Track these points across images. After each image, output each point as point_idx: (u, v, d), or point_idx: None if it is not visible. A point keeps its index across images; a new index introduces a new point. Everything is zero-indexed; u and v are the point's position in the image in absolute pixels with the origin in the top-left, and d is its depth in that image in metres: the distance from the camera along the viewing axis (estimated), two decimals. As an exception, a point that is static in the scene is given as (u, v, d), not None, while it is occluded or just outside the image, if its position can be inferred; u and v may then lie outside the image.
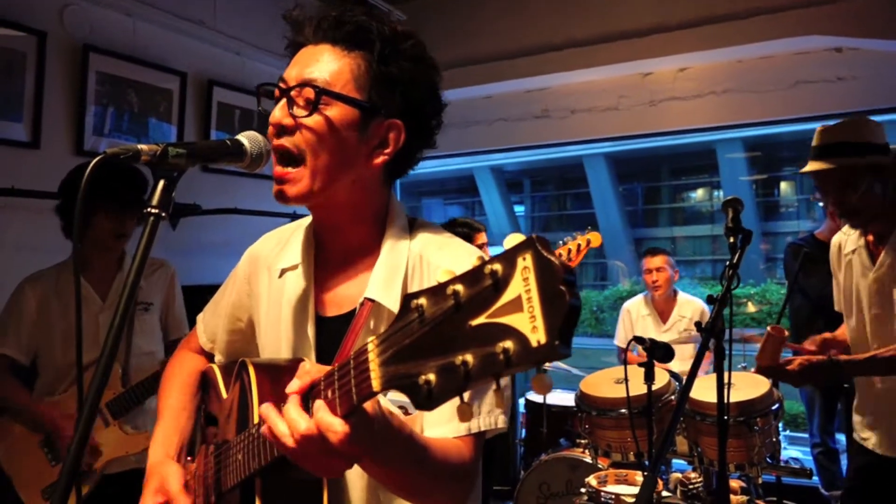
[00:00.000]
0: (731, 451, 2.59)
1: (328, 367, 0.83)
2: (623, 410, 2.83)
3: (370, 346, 0.73)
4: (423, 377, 0.65)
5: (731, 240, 1.98)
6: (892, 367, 2.15)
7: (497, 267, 0.60)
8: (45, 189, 2.82)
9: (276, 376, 1.07)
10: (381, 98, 1.11)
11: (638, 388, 2.62)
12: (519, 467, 4.39)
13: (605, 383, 3.09)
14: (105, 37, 3.31)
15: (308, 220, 1.28)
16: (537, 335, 0.56)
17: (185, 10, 3.65)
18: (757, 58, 4.29)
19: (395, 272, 1.14)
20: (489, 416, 1.09)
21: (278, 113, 1.11)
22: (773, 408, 2.66)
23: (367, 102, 1.11)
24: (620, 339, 4.51)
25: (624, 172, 14.91)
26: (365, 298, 1.12)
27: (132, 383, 2.44)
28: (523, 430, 4.32)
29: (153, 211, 0.97)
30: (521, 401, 4.51)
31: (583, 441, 3.25)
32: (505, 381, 0.64)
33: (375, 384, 0.72)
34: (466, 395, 0.65)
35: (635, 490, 2.75)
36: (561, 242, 3.25)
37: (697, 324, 1.94)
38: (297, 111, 1.10)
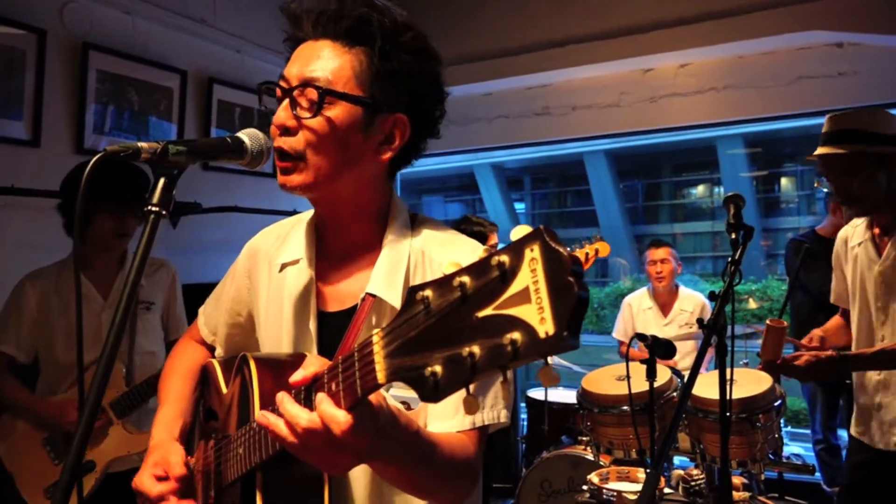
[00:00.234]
0: (734, 447, 2.59)
1: (332, 361, 0.83)
2: (625, 407, 2.83)
3: (375, 339, 0.73)
4: (430, 369, 0.65)
5: (733, 236, 1.98)
6: None
7: (504, 258, 0.60)
8: (45, 187, 2.82)
9: (277, 371, 1.07)
10: (384, 93, 1.11)
11: (640, 385, 2.62)
12: (520, 465, 4.39)
13: (607, 380, 3.09)
14: (105, 35, 3.31)
15: (308, 214, 1.28)
16: (545, 326, 0.56)
17: (185, 8, 3.64)
18: (758, 53, 4.27)
19: (396, 268, 1.14)
20: (492, 411, 1.09)
21: (282, 114, 1.10)
22: (776, 404, 2.66)
23: (371, 99, 1.10)
24: (619, 332, 4.52)
25: (624, 169, 14.89)
26: (366, 294, 1.11)
27: (135, 383, 2.44)
28: (525, 427, 4.33)
29: (153, 209, 0.96)
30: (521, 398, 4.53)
31: (584, 438, 3.24)
32: (510, 374, 0.64)
33: (380, 376, 0.71)
34: (472, 388, 0.65)
35: (637, 487, 2.74)
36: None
37: (699, 320, 1.93)
38: (301, 112, 1.09)
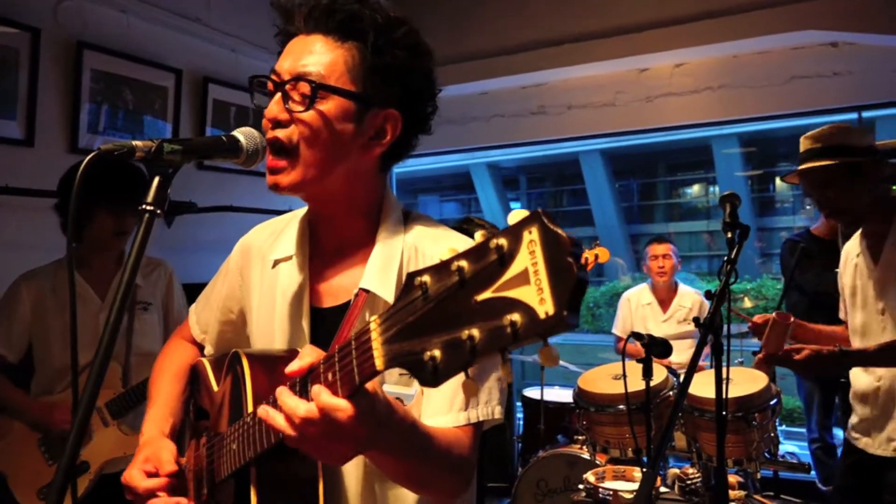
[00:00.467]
0: (730, 446, 2.59)
1: (327, 352, 0.83)
2: (621, 406, 2.83)
3: (372, 326, 0.73)
4: (429, 353, 0.65)
5: (729, 235, 1.98)
6: None
7: (502, 241, 0.60)
8: (39, 187, 2.80)
9: (269, 367, 1.07)
10: (376, 88, 1.11)
11: (636, 384, 2.62)
12: (516, 464, 4.39)
13: (603, 379, 3.09)
14: (99, 33, 3.29)
15: (302, 211, 1.28)
16: (545, 307, 0.56)
17: (180, 7, 3.63)
18: (753, 53, 4.29)
19: (390, 263, 1.14)
20: (486, 407, 1.10)
21: (274, 108, 1.10)
22: (772, 403, 2.66)
23: (363, 94, 1.10)
24: (618, 328, 4.54)
25: (620, 169, 14.88)
26: (360, 289, 1.12)
27: (132, 383, 2.43)
28: (521, 427, 4.33)
29: (148, 208, 0.96)
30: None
31: (581, 437, 3.24)
32: (507, 368, 0.64)
33: (379, 363, 0.71)
34: (471, 372, 0.65)
35: (633, 486, 2.75)
36: None
37: (696, 319, 1.93)
38: (293, 106, 1.09)
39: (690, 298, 4.34)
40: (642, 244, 4.56)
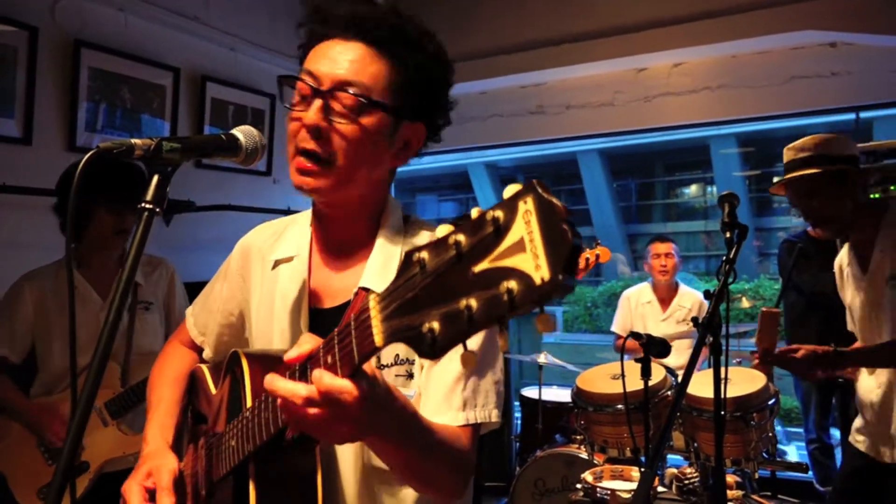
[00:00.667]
0: (728, 446, 2.59)
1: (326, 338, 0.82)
2: (619, 406, 2.83)
3: (371, 304, 0.73)
4: (427, 325, 0.65)
5: (728, 235, 1.98)
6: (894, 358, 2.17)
7: (498, 214, 0.60)
8: (37, 185, 2.79)
9: (269, 366, 1.07)
10: (409, 102, 1.11)
11: (634, 383, 2.62)
12: (514, 463, 4.39)
13: (602, 379, 3.09)
14: (97, 32, 3.28)
15: (303, 213, 1.28)
16: (541, 272, 0.56)
17: (178, 6, 3.63)
18: (751, 53, 4.29)
19: (389, 262, 1.14)
20: (483, 410, 1.10)
21: (314, 115, 1.07)
22: (770, 403, 2.67)
23: (400, 108, 1.10)
24: (618, 327, 4.54)
25: (618, 168, 14.89)
26: (359, 288, 1.12)
27: (132, 383, 2.42)
28: (519, 426, 4.33)
29: (147, 206, 0.96)
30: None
31: (579, 437, 3.25)
32: (504, 337, 0.64)
33: (378, 339, 0.71)
34: (470, 343, 0.65)
35: (631, 486, 2.75)
36: None
37: (694, 319, 1.93)
38: (336, 118, 1.07)
39: (690, 299, 4.35)
40: (640, 244, 4.58)
